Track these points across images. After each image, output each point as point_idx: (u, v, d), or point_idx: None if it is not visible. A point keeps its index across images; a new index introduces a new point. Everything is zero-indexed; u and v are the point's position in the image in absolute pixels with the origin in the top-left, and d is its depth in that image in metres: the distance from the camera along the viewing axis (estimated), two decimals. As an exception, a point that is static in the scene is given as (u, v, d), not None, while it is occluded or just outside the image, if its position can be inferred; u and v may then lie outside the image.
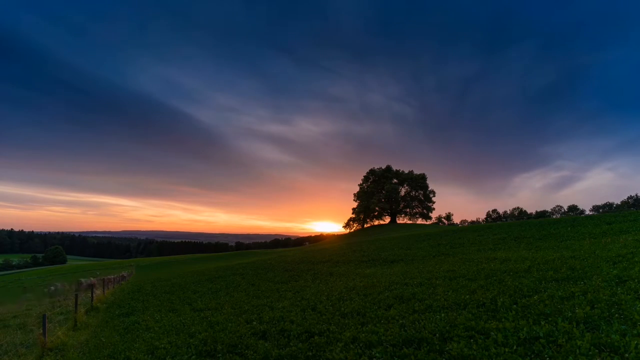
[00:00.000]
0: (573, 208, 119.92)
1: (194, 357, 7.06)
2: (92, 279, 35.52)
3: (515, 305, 7.33)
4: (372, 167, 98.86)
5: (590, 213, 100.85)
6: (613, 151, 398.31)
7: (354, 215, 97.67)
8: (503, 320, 6.51)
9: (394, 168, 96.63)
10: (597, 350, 4.72)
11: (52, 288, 29.23)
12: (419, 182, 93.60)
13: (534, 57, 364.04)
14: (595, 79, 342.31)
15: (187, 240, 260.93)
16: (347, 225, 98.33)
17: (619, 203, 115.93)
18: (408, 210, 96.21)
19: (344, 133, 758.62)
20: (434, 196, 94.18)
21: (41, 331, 9.43)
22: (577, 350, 4.76)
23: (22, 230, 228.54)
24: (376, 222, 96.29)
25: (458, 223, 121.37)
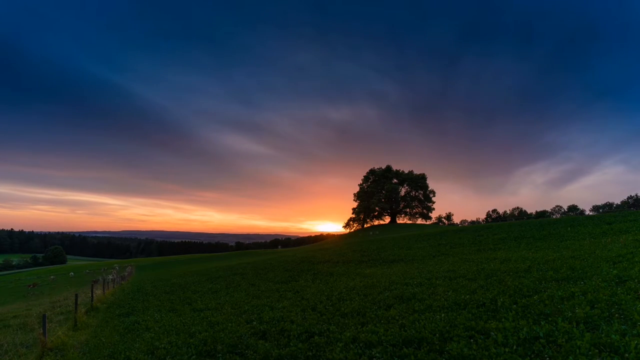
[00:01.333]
0: (573, 208, 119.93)
1: (194, 357, 7.05)
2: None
3: (515, 305, 7.33)
4: (372, 167, 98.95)
5: (590, 213, 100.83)
6: (628, 140, 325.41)
7: (354, 215, 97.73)
8: (503, 320, 6.51)
9: (394, 168, 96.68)
10: (597, 350, 4.73)
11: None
12: (419, 182, 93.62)
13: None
14: (615, 38, 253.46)
15: (187, 240, 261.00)
16: (347, 225, 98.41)
17: (619, 203, 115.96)
18: (408, 210, 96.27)
19: (318, 116, 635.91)
20: (434, 196, 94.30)
21: (41, 331, 9.43)
22: (577, 350, 4.77)
23: (22, 230, 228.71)
24: (376, 222, 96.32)
25: (458, 223, 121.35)
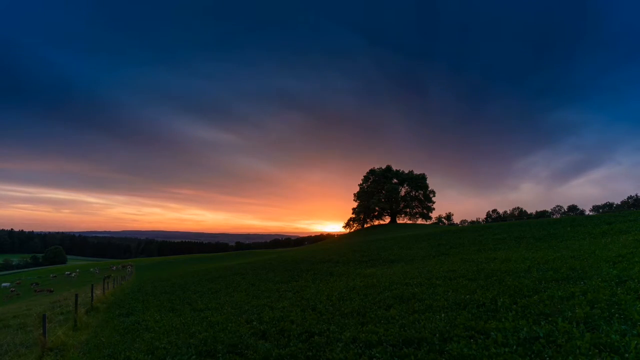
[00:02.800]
0: (573, 208, 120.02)
1: (194, 357, 7.05)
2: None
3: (515, 305, 7.33)
4: (372, 167, 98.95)
5: (590, 213, 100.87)
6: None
7: (354, 215, 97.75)
8: (503, 320, 6.51)
9: (394, 168, 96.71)
10: (597, 350, 4.73)
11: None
12: (418, 182, 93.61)
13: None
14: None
15: (187, 240, 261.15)
16: (347, 225, 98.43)
17: (619, 203, 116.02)
18: (408, 210, 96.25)
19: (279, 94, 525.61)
20: (434, 196, 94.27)
21: (41, 331, 9.42)
22: (577, 350, 4.76)
23: (22, 230, 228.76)
24: (376, 222, 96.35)
25: (458, 223, 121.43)
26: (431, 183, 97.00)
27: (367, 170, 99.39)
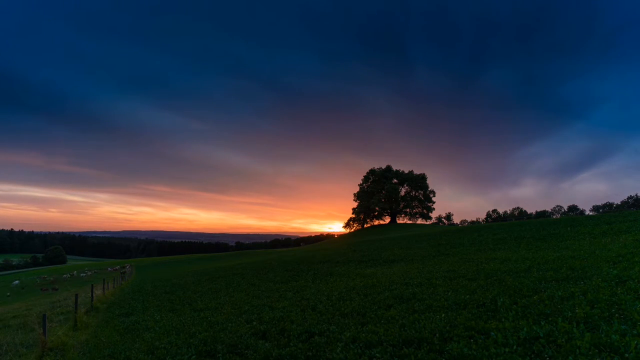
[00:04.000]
0: (573, 208, 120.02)
1: (194, 357, 7.05)
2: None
3: (515, 305, 7.33)
4: (372, 167, 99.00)
5: (590, 213, 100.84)
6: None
7: (354, 215, 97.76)
8: (503, 320, 6.51)
9: (394, 168, 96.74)
10: (597, 350, 4.72)
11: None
12: (418, 182, 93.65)
13: None
14: None
15: (187, 240, 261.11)
16: (347, 225, 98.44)
17: (619, 203, 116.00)
18: (408, 210, 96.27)
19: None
20: (434, 196, 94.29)
21: (41, 331, 9.43)
22: (577, 350, 4.76)
23: (22, 230, 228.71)
24: (376, 222, 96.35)
25: (458, 223, 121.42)
26: (428, 178, 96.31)
27: (367, 170, 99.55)
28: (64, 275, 56.43)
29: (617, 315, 5.87)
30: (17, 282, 52.49)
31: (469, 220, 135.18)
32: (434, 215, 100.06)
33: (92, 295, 16.37)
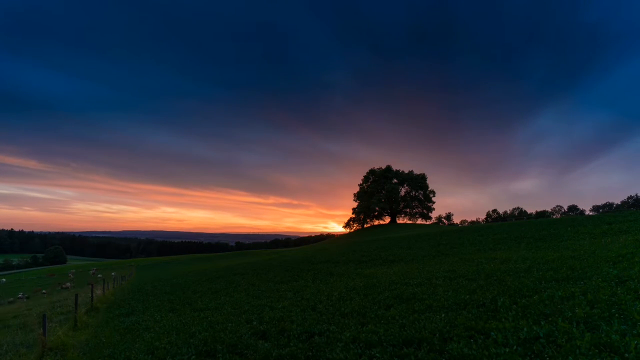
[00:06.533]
0: (573, 208, 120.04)
1: (194, 357, 7.05)
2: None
3: (515, 305, 7.33)
4: (372, 167, 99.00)
5: (590, 213, 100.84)
6: None
7: (354, 215, 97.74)
8: (503, 320, 6.51)
9: (394, 168, 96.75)
10: (597, 350, 4.72)
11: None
12: (419, 182, 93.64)
13: None
14: None
15: (187, 240, 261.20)
16: (347, 225, 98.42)
17: (619, 203, 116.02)
18: (408, 210, 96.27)
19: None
20: (434, 196, 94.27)
21: (41, 331, 9.42)
22: (577, 350, 4.76)
23: (22, 230, 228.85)
24: (376, 222, 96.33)
25: (458, 223, 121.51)
26: (428, 177, 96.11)
27: (367, 170, 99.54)
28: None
29: (617, 315, 5.86)
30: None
31: (469, 220, 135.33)
32: (434, 215, 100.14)
33: (92, 295, 16.37)
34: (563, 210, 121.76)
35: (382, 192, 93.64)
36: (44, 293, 33.56)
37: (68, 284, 38.30)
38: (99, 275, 52.45)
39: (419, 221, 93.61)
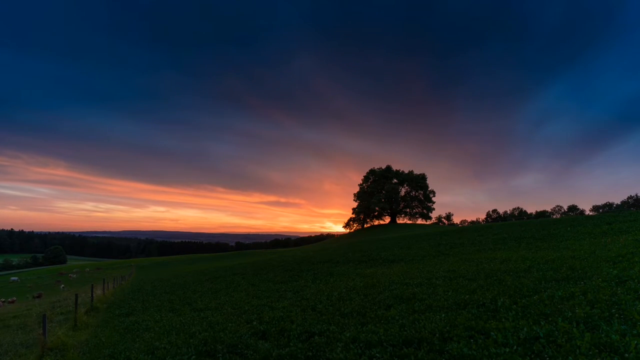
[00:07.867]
0: (573, 208, 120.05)
1: (194, 357, 7.05)
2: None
3: (515, 305, 7.32)
4: (372, 167, 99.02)
5: (590, 213, 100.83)
6: None
7: (354, 215, 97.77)
8: (503, 320, 6.51)
9: (394, 168, 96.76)
10: (597, 350, 4.72)
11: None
12: (418, 182, 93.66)
13: None
14: None
15: (186, 241, 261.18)
16: (347, 225, 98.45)
17: (619, 203, 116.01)
18: (408, 210, 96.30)
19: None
20: (434, 196, 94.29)
21: (41, 331, 9.42)
22: (577, 350, 4.76)
23: (22, 230, 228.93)
24: (376, 222, 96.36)
25: (458, 223, 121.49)
26: (428, 176, 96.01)
27: (367, 170, 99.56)
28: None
29: (617, 315, 5.86)
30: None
31: (469, 220, 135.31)
32: (434, 215, 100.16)
33: (92, 295, 16.37)
34: (563, 210, 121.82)
35: (382, 192, 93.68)
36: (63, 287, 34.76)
37: (63, 284, 38.97)
38: (89, 270, 52.80)
39: (419, 221, 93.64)
